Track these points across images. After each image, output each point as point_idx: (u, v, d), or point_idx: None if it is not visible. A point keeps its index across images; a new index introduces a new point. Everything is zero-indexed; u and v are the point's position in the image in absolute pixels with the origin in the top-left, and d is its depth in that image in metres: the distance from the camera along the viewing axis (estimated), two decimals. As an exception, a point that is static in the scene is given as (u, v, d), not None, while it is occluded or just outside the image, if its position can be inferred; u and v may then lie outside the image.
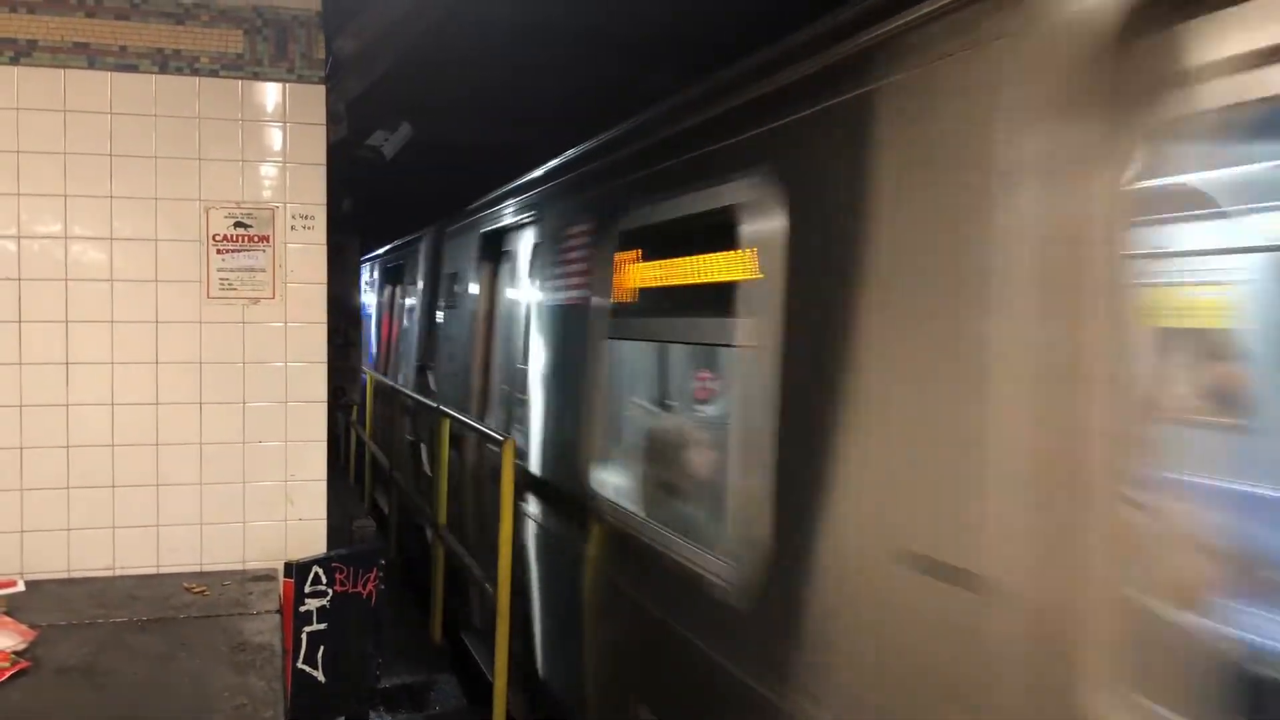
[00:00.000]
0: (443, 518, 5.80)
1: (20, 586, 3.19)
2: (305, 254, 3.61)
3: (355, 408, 10.17)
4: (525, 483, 4.71)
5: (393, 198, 8.80)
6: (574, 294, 4.30)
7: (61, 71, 3.39)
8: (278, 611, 3.19)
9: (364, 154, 6.99)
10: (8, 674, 2.58)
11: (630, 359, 4.31)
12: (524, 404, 5.04)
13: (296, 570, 3.29)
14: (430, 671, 5.62)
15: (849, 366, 2.28)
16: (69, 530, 3.47)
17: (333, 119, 3.68)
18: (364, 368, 10.78)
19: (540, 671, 4.49)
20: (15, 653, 2.70)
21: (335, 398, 8.66)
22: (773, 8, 3.05)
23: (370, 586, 3.50)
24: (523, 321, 5.36)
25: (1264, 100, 1.49)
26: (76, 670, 2.67)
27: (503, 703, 4.31)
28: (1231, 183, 2.69)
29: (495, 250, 6.12)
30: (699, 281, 3.33)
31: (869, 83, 2.26)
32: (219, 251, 3.53)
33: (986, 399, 1.87)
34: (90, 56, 3.41)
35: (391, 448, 8.24)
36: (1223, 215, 2.78)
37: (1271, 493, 2.95)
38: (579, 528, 3.98)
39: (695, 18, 3.93)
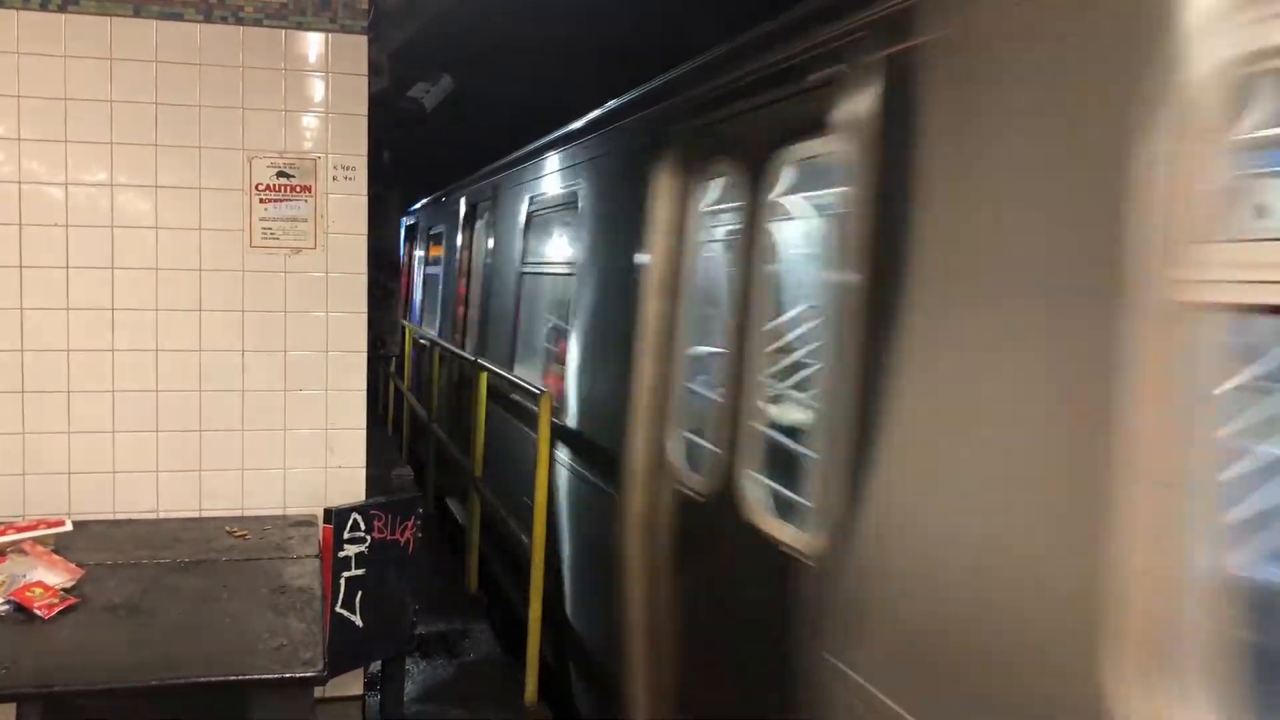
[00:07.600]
0: (479, 469, 5.84)
1: (68, 526, 3.27)
2: (346, 205, 3.63)
3: (394, 360, 10.27)
4: None
5: (431, 150, 8.80)
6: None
7: (108, 19, 3.41)
8: (317, 556, 3.25)
9: (405, 105, 7.00)
10: (56, 609, 2.66)
11: None
12: None
13: (336, 516, 3.34)
14: (465, 620, 5.70)
15: None
16: (114, 473, 3.56)
17: (374, 70, 3.68)
18: (403, 320, 10.88)
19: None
20: (64, 589, 2.78)
21: (374, 349, 8.70)
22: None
23: (408, 535, 3.55)
24: None
25: None
26: (122, 607, 2.75)
27: (535, 647, 4.35)
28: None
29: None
30: None
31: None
32: (261, 201, 3.56)
33: None
34: (136, 5, 3.42)
35: (430, 400, 8.25)
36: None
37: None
38: None
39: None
